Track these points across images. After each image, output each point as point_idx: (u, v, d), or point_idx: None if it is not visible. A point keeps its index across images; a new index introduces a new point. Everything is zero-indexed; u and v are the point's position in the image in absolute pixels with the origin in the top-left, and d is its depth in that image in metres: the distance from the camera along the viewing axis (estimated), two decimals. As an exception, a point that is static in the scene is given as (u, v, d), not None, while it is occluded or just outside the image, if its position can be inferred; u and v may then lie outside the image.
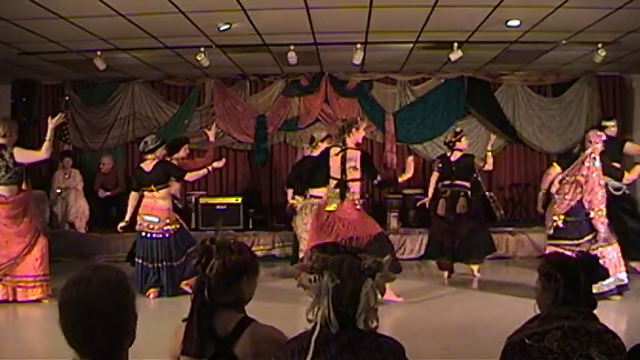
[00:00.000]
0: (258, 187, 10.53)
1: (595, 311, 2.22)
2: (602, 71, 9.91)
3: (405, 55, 8.88)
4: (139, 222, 6.27)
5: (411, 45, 8.27)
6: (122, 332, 1.52)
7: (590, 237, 5.64)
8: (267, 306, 3.93)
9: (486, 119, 10.25)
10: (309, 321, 1.90)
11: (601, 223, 5.59)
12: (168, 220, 6.26)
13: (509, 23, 7.10)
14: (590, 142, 5.74)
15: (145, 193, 6.32)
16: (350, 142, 5.62)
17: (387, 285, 5.98)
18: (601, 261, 5.47)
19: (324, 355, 1.83)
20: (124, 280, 1.57)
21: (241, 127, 10.25)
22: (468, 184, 7.01)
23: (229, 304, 2.15)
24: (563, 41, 7.91)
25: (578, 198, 5.63)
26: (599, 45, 7.90)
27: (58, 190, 9.25)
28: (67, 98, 10.17)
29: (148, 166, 6.31)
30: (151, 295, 6.09)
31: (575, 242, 5.59)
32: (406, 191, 9.47)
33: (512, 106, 10.27)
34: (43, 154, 5.64)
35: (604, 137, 5.84)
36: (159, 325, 2.95)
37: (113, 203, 9.40)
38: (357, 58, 8.38)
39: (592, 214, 5.57)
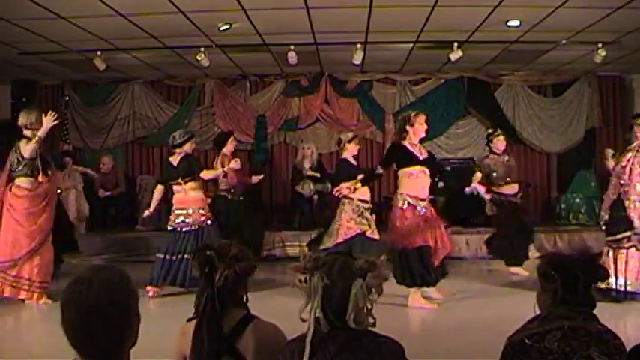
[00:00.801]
0: (259, 186, 10.50)
1: (602, 311, 2.22)
2: (602, 71, 9.91)
3: (405, 55, 8.88)
4: (172, 219, 6.26)
5: (411, 45, 8.28)
6: (123, 333, 1.52)
7: (628, 233, 5.54)
8: (268, 306, 3.92)
9: (486, 119, 10.25)
10: (302, 320, 1.91)
11: (636, 216, 5.51)
12: (202, 211, 6.27)
13: (509, 23, 7.11)
14: (637, 137, 5.67)
15: (175, 187, 6.33)
16: (409, 139, 5.61)
17: (417, 293, 5.90)
18: (632, 262, 5.49)
19: (323, 355, 1.84)
20: (126, 281, 1.57)
21: (241, 127, 10.24)
22: (505, 191, 7.19)
23: (235, 303, 2.19)
24: (563, 41, 7.91)
25: (619, 190, 5.61)
26: (599, 45, 7.91)
27: (59, 191, 9.23)
28: (67, 98, 10.17)
29: (175, 160, 6.38)
30: (150, 293, 6.06)
31: (614, 237, 5.58)
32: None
33: (512, 106, 10.27)
34: (26, 154, 5.67)
35: None
36: (159, 325, 2.96)
37: (113, 203, 9.40)
38: (357, 58, 8.39)
39: (626, 204, 5.53)
